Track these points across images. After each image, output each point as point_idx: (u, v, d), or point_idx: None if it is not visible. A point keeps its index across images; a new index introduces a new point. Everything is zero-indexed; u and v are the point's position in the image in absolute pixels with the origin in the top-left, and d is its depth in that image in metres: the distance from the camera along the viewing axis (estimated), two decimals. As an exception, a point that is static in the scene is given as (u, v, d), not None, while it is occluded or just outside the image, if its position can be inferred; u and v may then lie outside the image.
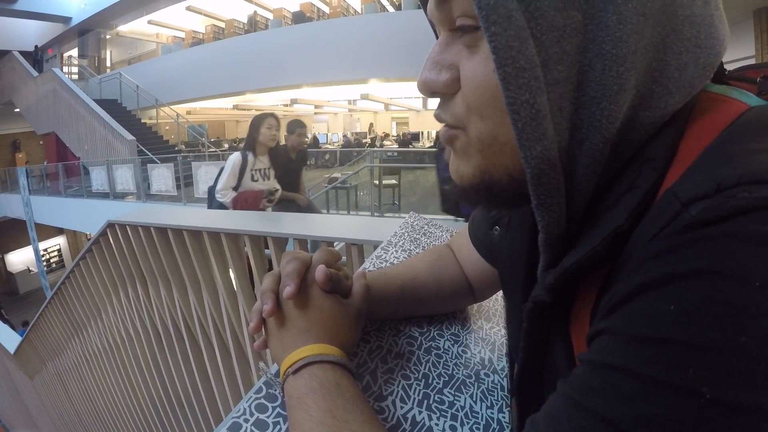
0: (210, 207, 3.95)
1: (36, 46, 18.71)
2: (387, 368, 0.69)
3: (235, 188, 3.66)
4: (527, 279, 0.53)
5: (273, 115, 3.80)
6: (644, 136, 0.39)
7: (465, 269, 0.84)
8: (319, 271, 0.59)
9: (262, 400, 0.59)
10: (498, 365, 0.78)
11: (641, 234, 0.33)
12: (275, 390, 0.60)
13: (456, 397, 0.66)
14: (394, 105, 23.89)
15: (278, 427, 0.55)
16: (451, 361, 0.74)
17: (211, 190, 3.91)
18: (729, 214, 0.28)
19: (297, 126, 4.52)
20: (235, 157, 3.69)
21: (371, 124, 24.01)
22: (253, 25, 16.78)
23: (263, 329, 0.61)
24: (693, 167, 0.34)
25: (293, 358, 0.54)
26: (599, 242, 0.36)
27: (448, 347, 0.78)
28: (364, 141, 19.61)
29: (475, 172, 0.44)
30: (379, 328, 0.78)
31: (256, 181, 3.75)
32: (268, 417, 0.57)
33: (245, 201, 3.59)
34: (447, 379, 0.70)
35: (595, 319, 0.35)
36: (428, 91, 0.44)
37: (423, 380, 0.68)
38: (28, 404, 7.45)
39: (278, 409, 0.58)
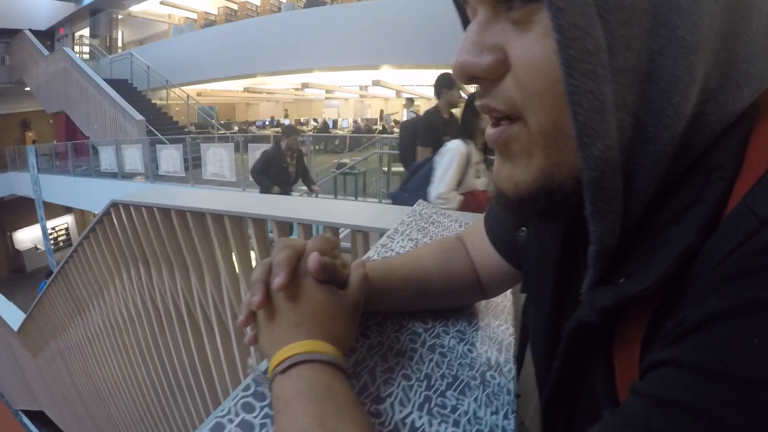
0: None
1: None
2: (387, 367, 0.64)
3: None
4: (558, 289, 0.50)
5: None
6: (709, 137, 0.35)
7: (476, 264, 0.80)
8: (312, 260, 0.54)
9: (250, 399, 0.55)
10: (505, 367, 0.73)
11: (711, 253, 0.29)
12: (265, 388, 0.56)
13: (459, 401, 0.62)
14: (405, 92, 23.82)
15: (265, 429, 0.51)
16: (455, 361, 0.70)
17: (399, 196, 3.06)
18: None
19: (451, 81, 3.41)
20: (460, 146, 2.70)
21: (382, 111, 23.87)
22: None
23: (254, 323, 0.57)
24: (766, 178, 0.30)
25: (282, 356, 0.49)
26: (668, 266, 0.31)
27: (453, 345, 0.74)
28: (374, 127, 19.52)
29: (535, 176, 0.38)
30: (381, 322, 0.74)
31: (479, 178, 2.83)
32: (254, 417, 0.52)
33: (478, 209, 2.48)
34: (450, 380, 0.65)
35: (654, 346, 0.31)
36: (466, 75, 0.39)
37: (425, 381, 0.63)
38: (31, 381, 7.53)
39: (266, 410, 0.53)
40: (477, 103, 0.41)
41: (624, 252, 0.36)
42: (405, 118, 11.54)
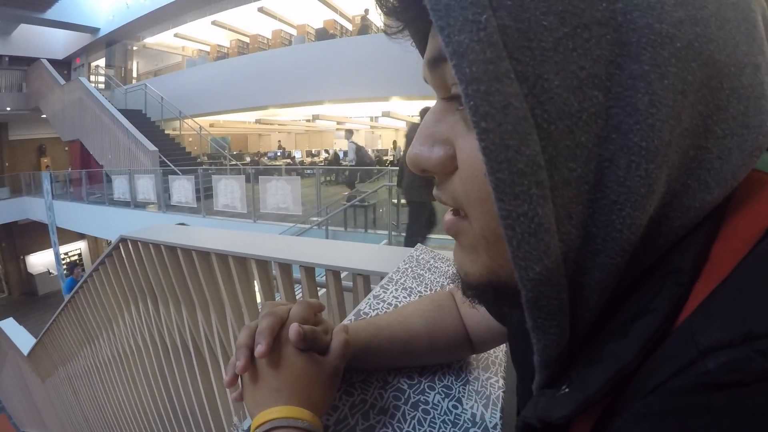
0: None
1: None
2: (368, 425, 0.66)
3: None
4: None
5: None
6: (671, 241, 0.31)
7: (466, 320, 0.80)
8: (292, 331, 0.58)
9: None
10: (490, 422, 0.73)
11: (648, 375, 0.27)
12: (247, 446, 0.59)
13: (438, 460, 0.64)
14: (415, 123, 23.76)
15: (246, 487, 0.54)
16: (438, 418, 0.71)
17: None
18: (753, 379, 0.21)
19: None
20: None
21: (395, 142, 23.85)
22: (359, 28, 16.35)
23: (240, 382, 0.60)
24: (721, 291, 0.27)
25: (261, 419, 0.52)
26: (598, 388, 0.29)
27: (438, 402, 0.74)
28: (385, 158, 19.52)
29: (481, 271, 0.37)
30: (366, 379, 0.75)
31: None
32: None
33: None
34: (431, 438, 0.66)
35: None
36: (419, 168, 0.37)
37: (405, 440, 0.65)
38: (39, 405, 7.51)
39: (248, 467, 0.56)
40: (434, 192, 0.39)
41: (577, 353, 0.34)
42: (346, 149, 11.61)
